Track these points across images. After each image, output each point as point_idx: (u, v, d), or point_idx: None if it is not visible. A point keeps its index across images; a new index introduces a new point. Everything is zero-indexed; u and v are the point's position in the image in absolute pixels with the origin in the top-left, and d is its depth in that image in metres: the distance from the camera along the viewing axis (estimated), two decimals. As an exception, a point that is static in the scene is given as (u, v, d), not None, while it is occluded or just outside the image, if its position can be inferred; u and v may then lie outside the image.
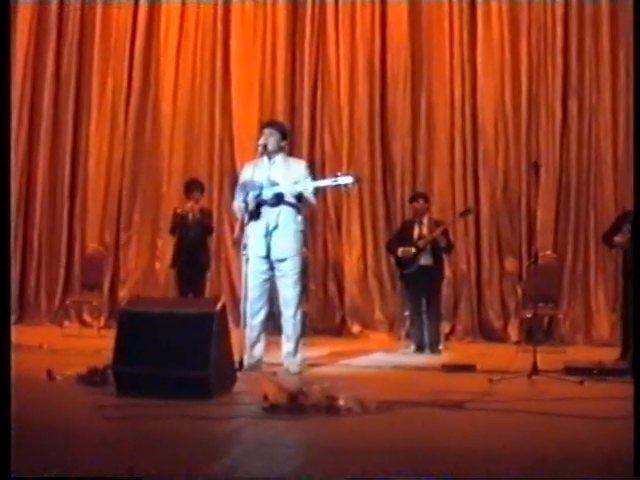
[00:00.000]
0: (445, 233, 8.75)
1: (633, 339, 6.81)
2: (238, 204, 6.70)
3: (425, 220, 8.73)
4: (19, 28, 11.03)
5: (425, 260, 8.58)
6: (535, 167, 7.26)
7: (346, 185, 6.54)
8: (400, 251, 8.66)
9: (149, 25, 11.20)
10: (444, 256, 8.92)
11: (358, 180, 6.84)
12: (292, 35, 10.93)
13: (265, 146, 6.67)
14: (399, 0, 10.61)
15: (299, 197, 6.64)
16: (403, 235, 8.84)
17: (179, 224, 9.22)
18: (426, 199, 8.95)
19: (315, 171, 9.62)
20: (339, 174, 6.64)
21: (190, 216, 9.18)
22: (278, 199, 6.56)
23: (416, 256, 8.55)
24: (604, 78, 10.13)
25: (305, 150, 10.52)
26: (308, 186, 6.66)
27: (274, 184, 6.57)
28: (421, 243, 8.55)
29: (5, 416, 3.47)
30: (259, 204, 6.57)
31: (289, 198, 6.60)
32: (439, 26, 10.55)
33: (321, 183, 6.94)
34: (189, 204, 9.23)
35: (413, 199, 8.97)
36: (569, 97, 10.21)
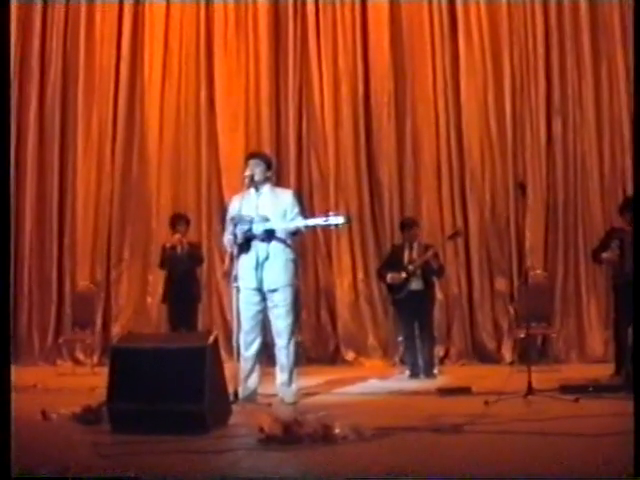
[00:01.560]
0: (436, 256, 8.74)
1: (632, 354, 6.79)
2: (228, 238, 6.70)
3: (415, 244, 8.73)
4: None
5: (416, 285, 8.56)
6: (521, 188, 7.28)
7: (336, 225, 6.55)
8: (389, 277, 8.65)
9: (133, 60, 11.19)
10: (435, 279, 8.90)
11: (349, 220, 6.86)
12: (275, 65, 10.97)
13: (252, 177, 6.69)
14: (381, 26, 10.69)
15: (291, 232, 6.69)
16: (393, 260, 8.82)
17: (168, 258, 9.21)
18: (417, 224, 8.96)
19: (303, 199, 9.65)
20: (330, 213, 6.64)
21: (179, 249, 9.17)
22: (269, 235, 6.57)
23: (406, 281, 8.55)
24: (587, 95, 10.22)
25: (292, 179, 10.56)
26: (300, 224, 6.69)
27: (265, 219, 6.57)
28: (411, 268, 8.54)
29: (5, 458, 3.46)
30: (248, 238, 6.57)
31: (280, 234, 6.61)
32: (421, 51, 10.65)
33: (312, 222, 6.95)
34: (176, 236, 9.22)
35: (404, 225, 8.97)
36: (553, 116, 10.29)
